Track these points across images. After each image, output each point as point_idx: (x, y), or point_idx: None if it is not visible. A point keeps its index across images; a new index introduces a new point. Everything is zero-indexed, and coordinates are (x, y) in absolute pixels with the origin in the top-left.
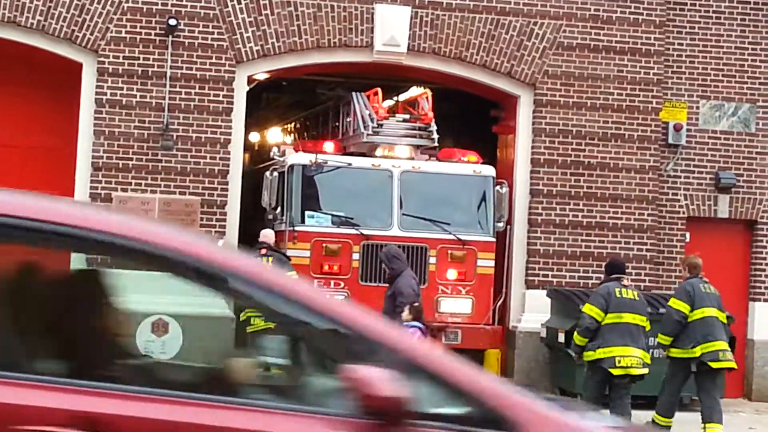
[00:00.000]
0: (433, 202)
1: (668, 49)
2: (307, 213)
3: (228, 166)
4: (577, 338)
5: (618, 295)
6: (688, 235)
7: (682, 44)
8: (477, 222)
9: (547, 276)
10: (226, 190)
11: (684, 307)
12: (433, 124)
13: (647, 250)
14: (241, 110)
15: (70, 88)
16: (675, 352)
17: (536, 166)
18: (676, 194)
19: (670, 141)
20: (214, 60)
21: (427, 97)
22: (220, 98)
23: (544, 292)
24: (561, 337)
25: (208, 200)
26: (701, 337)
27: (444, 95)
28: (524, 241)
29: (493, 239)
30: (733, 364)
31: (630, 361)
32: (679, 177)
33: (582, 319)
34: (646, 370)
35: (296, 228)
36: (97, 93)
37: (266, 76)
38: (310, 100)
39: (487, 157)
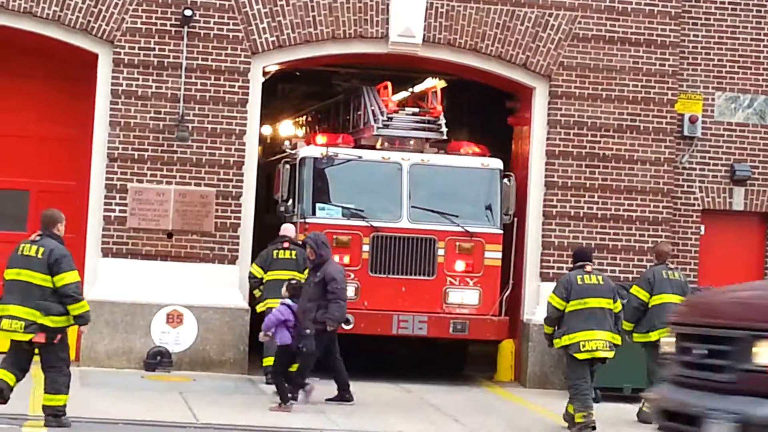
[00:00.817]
0: (441, 194)
1: (683, 40)
2: (318, 205)
3: (243, 157)
4: (545, 327)
5: (580, 282)
6: (703, 227)
7: (697, 36)
8: (485, 214)
9: (561, 269)
10: (241, 181)
11: (643, 294)
12: (441, 117)
13: None
14: (257, 101)
15: (86, 79)
16: (637, 337)
17: (551, 158)
18: (691, 186)
19: (686, 133)
20: (229, 51)
21: (435, 92)
22: (236, 89)
23: None
24: None
25: (223, 191)
26: (658, 322)
27: (459, 86)
28: (539, 234)
29: (501, 231)
30: None
31: (595, 345)
32: (694, 169)
33: (546, 309)
34: (611, 353)
35: (307, 220)
36: (113, 84)
37: (277, 67)
38: (325, 91)
39: (501, 149)
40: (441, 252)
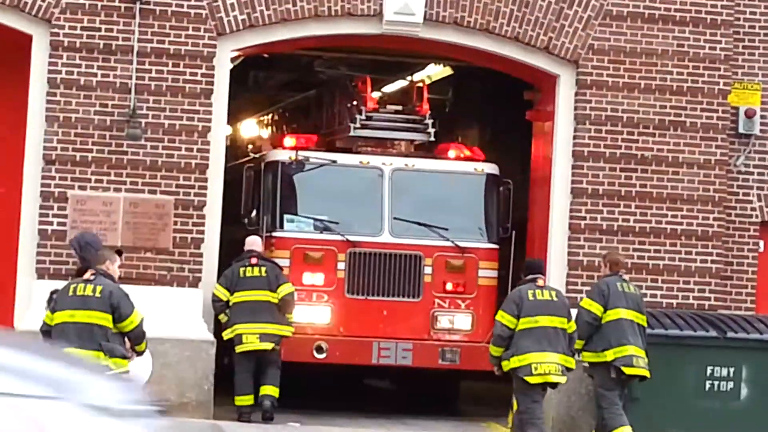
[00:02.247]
0: (428, 204)
1: (739, 19)
2: (286, 217)
3: (207, 159)
4: (492, 348)
5: (531, 298)
6: (762, 243)
7: (755, 13)
8: (478, 227)
9: None
10: (205, 188)
11: (596, 308)
12: (428, 116)
13: (713, 261)
14: (224, 92)
15: (17, 66)
16: (587, 356)
17: (579, 160)
18: (748, 194)
19: (741, 130)
20: (190, 32)
21: (420, 87)
22: (198, 78)
23: None
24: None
25: (183, 200)
26: (614, 340)
27: (468, 74)
28: (564, 251)
29: (496, 246)
30: (646, 372)
31: (547, 368)
32: (752, 173)
33: (494, 328)
34: (564, 378)
35: (274, 234)
36: (49, 71)
37: (237, 54)
38: (306, 80)
39: (518, 150)
40: (428, 270)
